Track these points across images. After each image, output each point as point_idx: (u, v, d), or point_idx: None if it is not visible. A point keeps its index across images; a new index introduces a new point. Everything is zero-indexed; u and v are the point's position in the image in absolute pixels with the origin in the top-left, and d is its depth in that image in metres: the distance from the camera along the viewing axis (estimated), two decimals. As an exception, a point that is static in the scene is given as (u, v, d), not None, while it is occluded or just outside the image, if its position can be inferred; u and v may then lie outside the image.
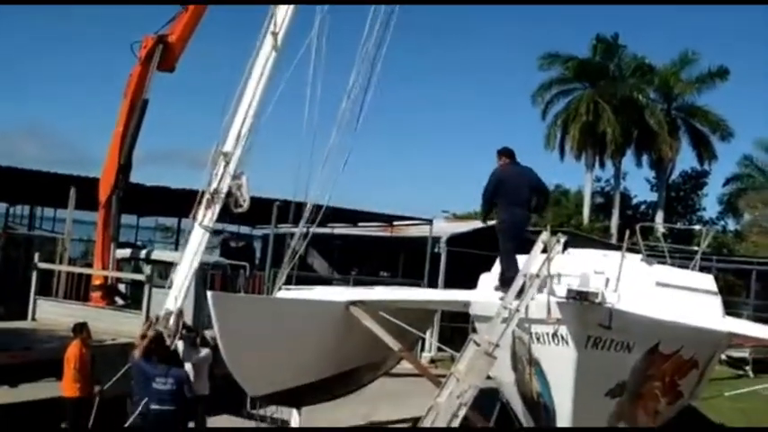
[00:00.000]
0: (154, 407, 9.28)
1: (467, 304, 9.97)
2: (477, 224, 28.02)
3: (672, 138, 39.56)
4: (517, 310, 7.54)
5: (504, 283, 10.78)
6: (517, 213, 10.24)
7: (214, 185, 11.09)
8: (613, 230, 38.77)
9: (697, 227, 32.12)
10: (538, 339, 7.87)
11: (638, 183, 55.19)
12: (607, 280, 7.78)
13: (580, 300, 7.12)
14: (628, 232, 9.21)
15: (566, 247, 8.18)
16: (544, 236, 7.86)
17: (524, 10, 65.84)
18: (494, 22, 71.97)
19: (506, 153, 10.94)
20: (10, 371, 10.18)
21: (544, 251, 7.79)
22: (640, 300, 8.06)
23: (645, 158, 41.98)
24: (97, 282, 13.47)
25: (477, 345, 7.55)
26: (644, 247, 11.28)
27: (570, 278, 7.65)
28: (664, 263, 11.58)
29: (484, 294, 10.12)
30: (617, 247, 9.36)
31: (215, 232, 14.22)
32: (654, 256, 11.59)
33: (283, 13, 10.93)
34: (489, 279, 10.56)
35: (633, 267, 9.51)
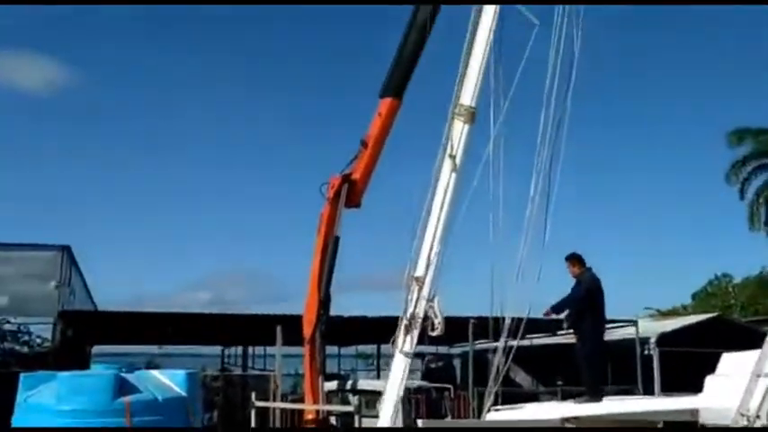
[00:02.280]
0: None
1: (695, 412, 9.04)
2: (688, 320, 26.12)
3: None
4: (757, 416, 6.76)
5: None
6: (603, 329, 11.01)
7: (410, 311, 11.21)
8: None
9: None
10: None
11: None
12: None
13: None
14: None
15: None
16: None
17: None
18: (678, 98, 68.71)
19: (581, 259, 10.41)
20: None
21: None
22: None
23: None
24: (309, 416, 13.84)
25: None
26: None
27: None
28: None
29: (713, 400, 9.16)
30: None
31: (417, 356, 14.26)
32: None
33: (458, 133, 11.11)
34: (716, 382, 9.60)
35: None
